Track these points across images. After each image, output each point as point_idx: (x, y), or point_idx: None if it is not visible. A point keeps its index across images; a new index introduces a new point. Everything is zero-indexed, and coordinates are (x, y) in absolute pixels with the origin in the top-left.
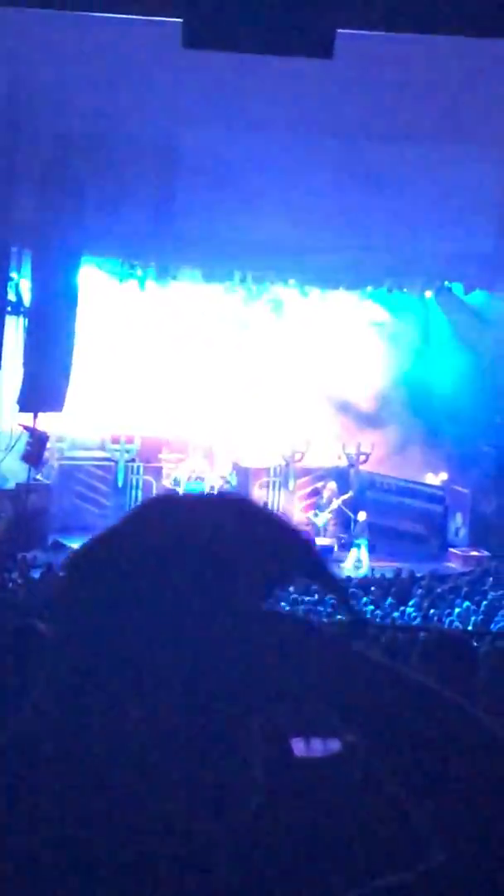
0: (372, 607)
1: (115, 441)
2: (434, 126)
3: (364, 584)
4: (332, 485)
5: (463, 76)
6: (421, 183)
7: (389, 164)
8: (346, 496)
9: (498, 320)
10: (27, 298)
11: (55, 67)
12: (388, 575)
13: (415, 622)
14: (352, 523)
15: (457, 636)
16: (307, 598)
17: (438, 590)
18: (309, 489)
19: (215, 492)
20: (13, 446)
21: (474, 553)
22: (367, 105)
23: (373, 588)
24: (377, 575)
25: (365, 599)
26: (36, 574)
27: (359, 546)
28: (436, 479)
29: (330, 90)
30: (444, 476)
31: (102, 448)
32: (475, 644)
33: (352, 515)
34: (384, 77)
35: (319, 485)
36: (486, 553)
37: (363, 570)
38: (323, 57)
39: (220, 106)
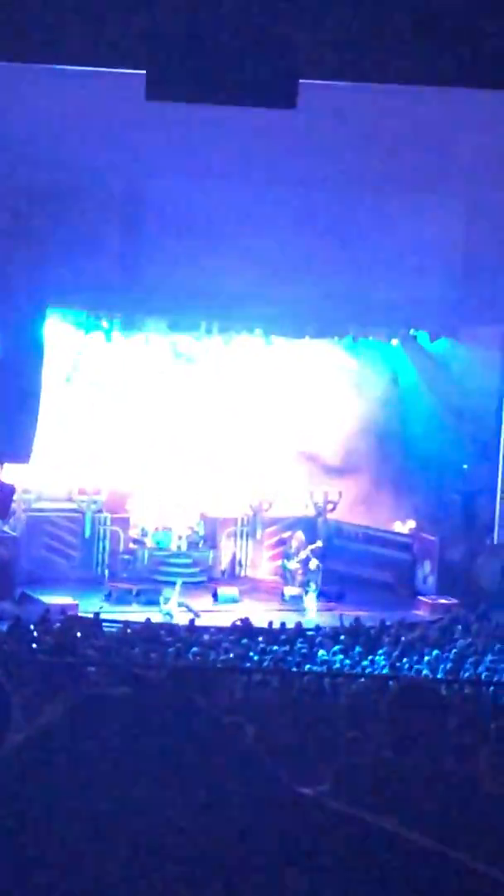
0: (341, 656)
1: (82, 492)
2: (398, 177)
3: (333, 632)
4: (300, 534)
5: (425, 128)
6: (385, 232)
7: (354, 214)
8: (314, 546)
9: (463, 368)
10: None
11: (20, 119)
12: (357, 623)
13: (384, 671)
14: (320, 572)
15: (425, 685)
16: (275, 648)
17: (407, 638)
18: (277, 538)
19: (182, 544)
20: None
21: (443, 601)
22: (332, 156)
23: (342, 637)
24: (346, 623)
25: (335, 648)
26: (3, 627)
27: (307, 592)
28: (404, 527)
29: (295, 141)
30: (411, 524)
31: (70, 499)
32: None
33: (320, 565)
34: (349, 128)
35: (287, 534)
36: (454, 601)
37: (310, 617)
38: (286, 107)
39: (184, 157)
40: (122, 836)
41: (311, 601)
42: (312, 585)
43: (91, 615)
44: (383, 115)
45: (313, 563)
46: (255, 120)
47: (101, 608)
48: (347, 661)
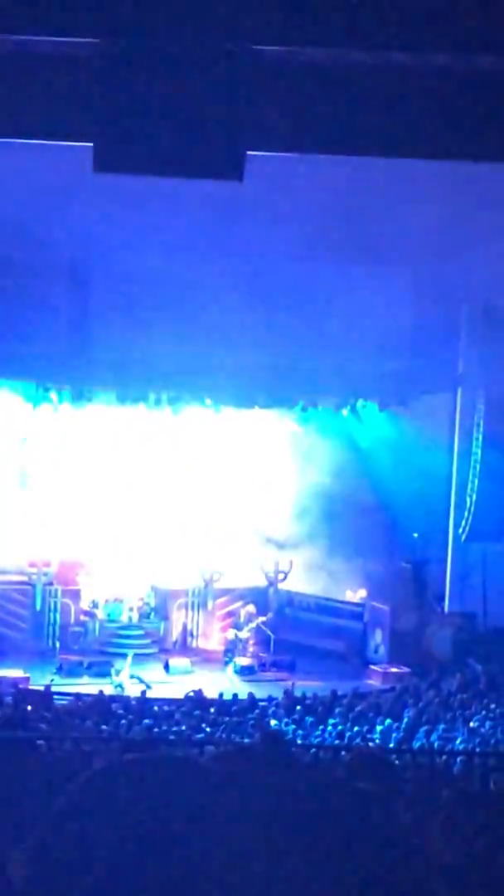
0: (293, 726)
1: (33, 564)
2: (347, 248)
3: (286, 703)
4: (251, 607)
5: (373, 198)
6: (333, 303)
7: (304, 284)
8: (264, 618)
9: (411, 437)
10: None
11: None
12: (308, 694)
13: (336, 741)
14: (271, 643)
15: (377, 755)
16: (227, 719)
17: (359, 707)
18: (228, 609)
19: (133, 616)
20: None
21: (394, 670)
22: (281, 228)
23: (298, 707)
24: (298, 694)
25: (286, 719)
26: None
27: (226, 664)
28: (355, 596)
29: (244, 212)
30: (362, 593)
31: (20, 572)
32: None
33: (272, 635)
34: (294, 197)
35: (237, 605)
36: (405, 669)
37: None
38: (233, 179)
39: (129, 228)
40: None
41: (230, 672)
42: (237, 658)
43: (42, 688)
44: (333, 186)
45: (242, 633)
46: (203, 191)
47: (52, 681)
48: (300, 732)
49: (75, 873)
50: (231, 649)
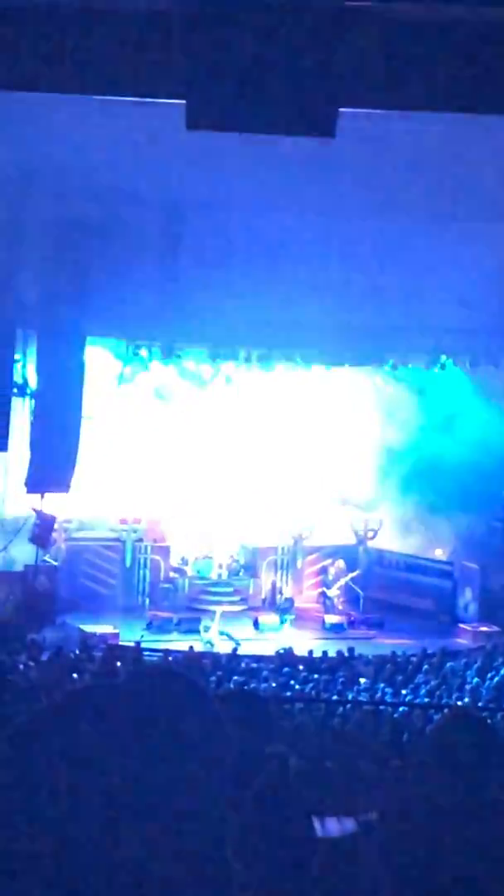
0: (383, 684)
1: (123, 521)
2: (439, 205)
3: (376, 661)
4: (340, 563)
5: (464, 155)
6: (424, 259)
7: (390, 242)
8: (353, 574)
9: (501, 394)
10: (33, 381)
11: (59, 150)
12: (398, 652)
13: (426, 699)
14: (361, 600)
15: (473, 715)
16: (316, 676)
17: (449, 666)
18: (317, 567)
19: (223, 573)
20: (21, 528)
21: (484, 629)
22: (369, 184)
23: (388, 665)
24: (387, 652)
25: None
26: (45, 656)
27: (282, 622)
28: (444, 554)
29: (331, 169)
30: (452, 551)
31: (110, 528)
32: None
33: (361, 593)
34: (386, 155)
35: (327, 562)
36: (496, 628)
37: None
38: (325, 136)
39: (220, 186)
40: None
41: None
42: (288, 616)
43: (132, 644)
44: (426, 140)
45: (331, 591)
46: (292, 150)
47: (142, 637)
48: (389, 690)
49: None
50: (286, 607)
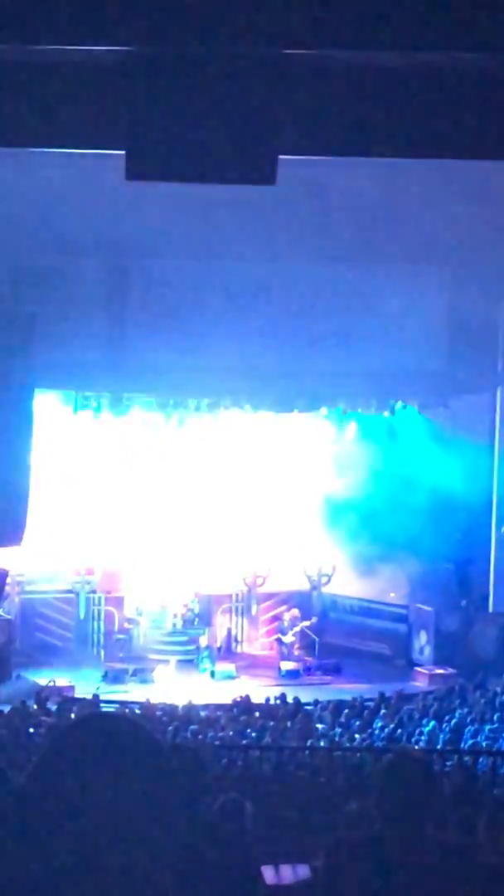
0: (339, 730)
1: (76, 573)
2: (384, 248)
3: (332, 706)
4: (294, 611)
5: (405, 198)
6: (374, 303)
7: (336, 286)
8: (307, 622)
9: (451, 436)
10: None
11: (4, 201)
12: (354, 697)
13: (381, 743)
14: (316, 646)
15: (415, 755)
16: (271, 723)
17: (405, 709)
18: (272, 614)
19: (178, 623)
20: None
21: (440, 671)
22: (311, 228)
23: (345, 710)
24: (343, 697)
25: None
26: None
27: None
28: (398, 598)
29: (274, 214)
30: (406, 594)
31: (64, 581)
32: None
33: (316, 638)
34: (327, 199)
35: (282, 609)
36: (451, 671)
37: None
38: (266, 184)
39: (168, 234)
40: None
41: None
42: (205, 662)
43: (89, 696)
44: (368, 185)
45: (203, 640)
46: (237, 196)
47: (97, 689)
48: (346, 735)
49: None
50: (207, 655)
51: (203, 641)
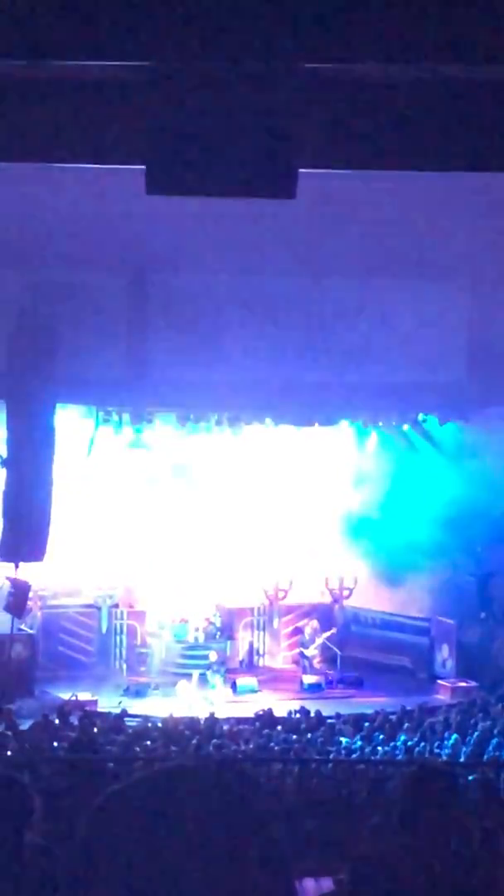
0: (360, 743)
1: (98, 587)
2: (403, 261)
3: (353, 720)
4: (314, 623)
5: (429, 214)
6: (393, 318)
7: (358, 301)
8: (328, 633)
9: (472, 450)
10: (3, 448)
11: (26, 216)
12: (376, 710)
13: (405, 756)
14: (338, 659)
15: (436, 767)
16: (294, 737)
17: (428, 723)
18: (293, 627)
19: (200, 636)
20: None
21: (462, 684)
22: (333, 243)
23: (367, 724)
24: (365, 711)
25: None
26: (24, 725)
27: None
28: (420, 611)
29: (296, 227)
30: (428, 607)
31: (86, 595)
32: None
33: (338, 652)
34: (350, 215)
35: (303, 622)
36: (473, 684)
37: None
38: (286, 198)
39: (189, 249)
40: None
41: (218, 693)
42: (216, 678)
43: (111, 710)
44: (388, 199)
45: (213, 655)
46: (258, 210)
47: (119, 703)
48: (368, 749)
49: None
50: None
51: (213, 657)
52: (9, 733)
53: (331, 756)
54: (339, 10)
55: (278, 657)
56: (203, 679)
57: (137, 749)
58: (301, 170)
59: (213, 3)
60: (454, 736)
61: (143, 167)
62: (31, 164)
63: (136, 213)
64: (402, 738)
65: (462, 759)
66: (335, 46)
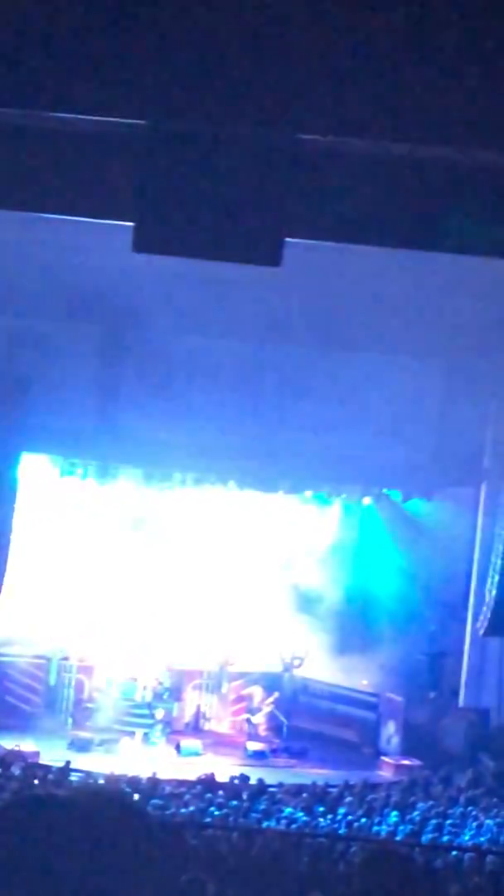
0: (301, 814)
1: (49, 639)
2: (373, 336)
3: (295, 790)
4: (258, 689)
5: (404, 290)
6: (360, 392)
7: (329, 372)
8: (271, 698)
9: (433, 529)
10: None
11: (2, 262)
12: (319, 782)
13: (344, 830)
14: (284, 728)
15: (397, 851)
16: (234, 803)
17: (370, 797)
18: (242, 692)
19: (147, 695)
20: None
21: (406, 762)
22: (310, 313)
23: (304, 794)
24: (308, 782)
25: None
26: None
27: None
28: (369, 685)
29: (273, 297)
30: (377, 683)
31: (35, 646)
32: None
33: (284, 720)
34: (329, 286)
35: (252, 688)
36: (417, 762)
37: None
38: (271, 265)
39: (163, 308)
40: None
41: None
42: (156, 734)
43: (54, 763)
44: (362, 275)
45: (159, 713)
46: (240, 275)
47: (62, 757)
48: (309, 820)
49: None
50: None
51: (159, 714)
52: None
53: (271, 825)
54: (336, 83)
55: (224, 722)
56: (147, 738)
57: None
58: (288, 238)
59: (212, 66)
60: (394, 813)
61: (126, 223)
62: (8, 212)
63: (115, 267)
64: (342, 811)
65: (399, 838)
66: (330, 119)
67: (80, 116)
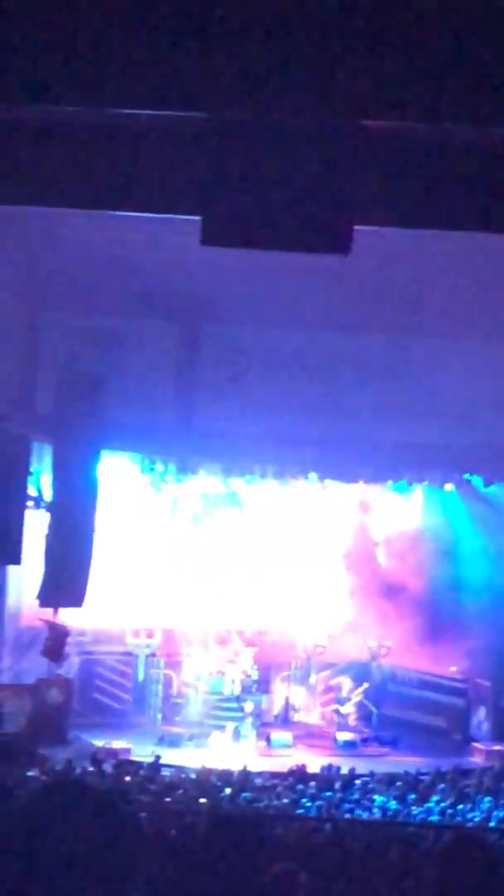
0: (394, 803)
1: (136, 635)
2: (445, 322)
3: (388, 779)
4: (346, 679)
5: (482, 270)
6: (440, 376)
7: (408, 358)
8: (361, 688)
9: None
10: (48, 493)
11: (78, 262)
12: (411, 770)
13: (437, 818)
14: (373, 717)
15: (476, 837)
16: (328, 794)
17: (461, 785)
18: (329, 683)
19: (235, 688)
20: (34, 641)
21: (497, 748)
22: (383, 299)
23: (396, 783)
24: (400, 770)
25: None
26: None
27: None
28: (458, 672)
29: (352, 286)
30: (466, 668)
31: (123, 642)
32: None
33: (373, 709)
34: (401, 272)
35: (340, 678)
36: None
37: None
38: (340, 253)
39: (240, 301)
40: None
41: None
42: (246, 728)
43: (143, 759)
44: (440, 259)
45: (248, 706)
46: (312, 265)
47: (153, 752)
48: (401, 808)
49: None
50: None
51: (248, 707)
52: (43, 778)
53: (364, 816)
54: (400, 68)
55: (314, 713)
56: (237, 732)
57: (169, 799)
58: (356, 226)
59: (272, 55)
60: (487, 799)
61: (198, 218)
62: (79, 211)
63: (187, 262)
64: (435, 799)
65: (493, 824)
66: (395, 105)
67: (141, 112)
